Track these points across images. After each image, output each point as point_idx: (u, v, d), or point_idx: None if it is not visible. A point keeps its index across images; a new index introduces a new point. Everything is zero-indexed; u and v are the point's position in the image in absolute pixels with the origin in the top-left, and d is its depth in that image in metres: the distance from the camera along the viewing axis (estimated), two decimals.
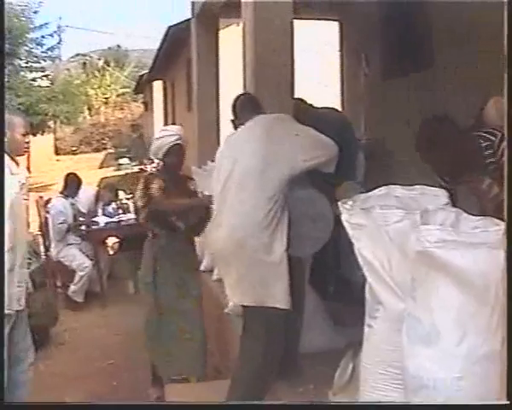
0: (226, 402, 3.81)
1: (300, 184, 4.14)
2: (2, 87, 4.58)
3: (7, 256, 4.16)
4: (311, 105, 5.86)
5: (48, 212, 9.27)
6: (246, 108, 4.54)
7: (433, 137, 4.12)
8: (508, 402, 2.24)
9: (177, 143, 5.14)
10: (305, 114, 5.35)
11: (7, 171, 4.17)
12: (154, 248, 5.17)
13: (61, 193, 9.09)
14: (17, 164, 4.39)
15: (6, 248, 4.13)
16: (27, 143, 4.46)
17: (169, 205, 5.06)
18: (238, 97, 4.75)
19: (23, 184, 4.50)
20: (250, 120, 4.32)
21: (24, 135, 4.39)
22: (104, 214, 9.27)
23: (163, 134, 5.22)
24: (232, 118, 4.67)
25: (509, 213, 2.47)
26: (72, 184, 9.07)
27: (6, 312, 4.19)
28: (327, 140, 4.20)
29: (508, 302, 2.26)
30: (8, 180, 4.14)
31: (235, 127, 4.56)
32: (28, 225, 10.28)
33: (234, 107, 4.66)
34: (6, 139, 4.22)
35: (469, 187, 3.87)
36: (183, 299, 5.10)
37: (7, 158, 4.22)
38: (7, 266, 4.16)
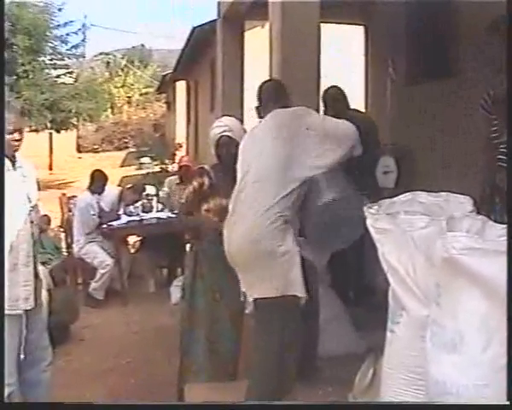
0: (230, 402, 3.77)
1: (333, 184, 4.05)
2: (3, 89, 4.55)
3: (8, 256, 4.07)
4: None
5: (70, 210, 9.33)
6: (271, 95, 4.41)
7: None
8: (508, 403, 2.24)
9: (224, 135, 4.83)
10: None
11: None
12: (196, 250, 4.96)
13: (88, 189, 9.06)
14: (12, 161, 4.26)
15: (7, 247, 4.08)
16: (18, 140, 4.23)
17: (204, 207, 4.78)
18: (264, 83, 4.62)
19: (24, 177, 4.32)
20: (269, 114, 4.23)
21: (12, 133, 4.24)
22: (125, 213, 9.29)
23: (213, 126, 4.97)
24: (257, 104, 4.50)
25: (509, 214, 2.47)
26: (98, 181, 9.03)
27: (13, 312, 4.15)
28: (343, 128, 4.14)
29: (508, 303, 2.26)
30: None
31: (260, 115, 4.42)
32: (49, 221, 10.40)
33: (259, 93, 4.51)
34: None
35: None
36: (218, 307, 4.82)
37: None
38: (8, 267, 4.06)
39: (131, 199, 9.45)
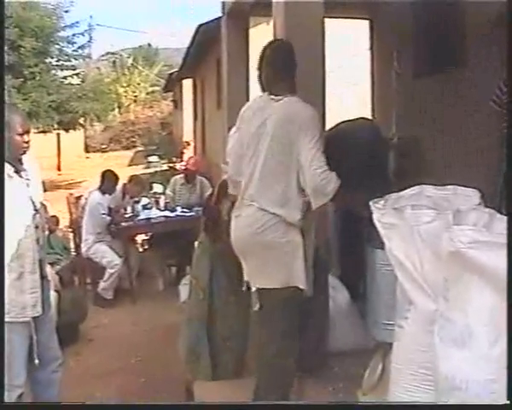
0: (238, 402, 3.75)
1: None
2: (3, 90, 4.51)
3: (14, 264, 4.04)
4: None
5: (78, 208, 9.34)
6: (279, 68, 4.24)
7: None
8: (508, 402, 2.22)
9: None
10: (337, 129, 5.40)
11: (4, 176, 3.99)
12: (211, 251, 4.92)
13: (99, 189, 9.02)
14: (16, 169, 4.19)
15: (9, 256, 4.00)
16: (27, 142, 4.18)
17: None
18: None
19: (28, 181, 4.25)
20: (283, 101, 4.05)
21: (21, 135, 4.12)
22: (133, 211, 9.29)
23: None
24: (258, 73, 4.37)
25: (509, 212, 2.44)
26: (109, 181, 9.02)
27: (20, 320, 4.10)
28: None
29: (508, 302, 2.25)
30: (6, 185, 3.97)
31: (263, 88, 4.27)
32: (57, 222, 10.40)
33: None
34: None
35: None
36: (232, 306, 4.81)
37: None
38: (14, 275, 4.04)
39: (135, 191, 9.42)
